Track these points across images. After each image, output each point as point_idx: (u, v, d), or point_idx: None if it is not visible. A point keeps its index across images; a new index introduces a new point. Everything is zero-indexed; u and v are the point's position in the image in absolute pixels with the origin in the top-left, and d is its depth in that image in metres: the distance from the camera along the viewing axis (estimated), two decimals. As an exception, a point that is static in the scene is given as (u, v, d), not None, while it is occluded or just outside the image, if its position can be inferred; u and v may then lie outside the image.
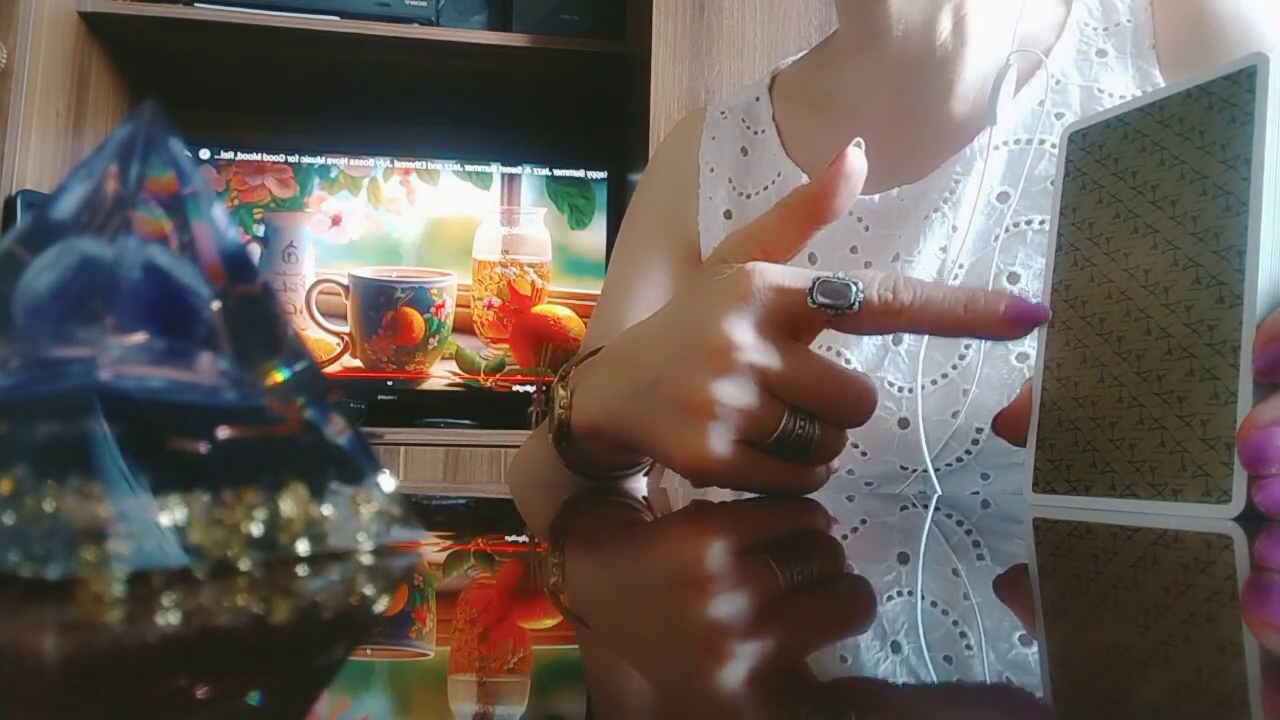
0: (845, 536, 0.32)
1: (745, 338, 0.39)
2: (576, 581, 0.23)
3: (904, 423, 0.58)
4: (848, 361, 0.60)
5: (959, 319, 0.39)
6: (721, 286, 0.41)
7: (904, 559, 0.26)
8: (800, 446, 0.40)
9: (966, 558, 0.27)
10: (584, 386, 0.47)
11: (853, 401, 0.40)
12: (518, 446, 0.81)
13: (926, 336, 0.58)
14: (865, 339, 0.60)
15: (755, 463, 0.40)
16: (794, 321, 0.40)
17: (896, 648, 0.15)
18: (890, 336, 0.60)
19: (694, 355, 0.40)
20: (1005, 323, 0.39)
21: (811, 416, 0.40)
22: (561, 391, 0.48)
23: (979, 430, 0.56)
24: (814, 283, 0.39)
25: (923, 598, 0.19)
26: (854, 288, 0.38)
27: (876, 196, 0.64)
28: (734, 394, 0.39)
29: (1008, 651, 0.15)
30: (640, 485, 0.53)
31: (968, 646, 0.15)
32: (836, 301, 0.38)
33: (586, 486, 0.51)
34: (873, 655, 0.15)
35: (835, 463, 0.43)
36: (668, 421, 0.41)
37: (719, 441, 0.39)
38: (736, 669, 0.14)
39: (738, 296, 0.40)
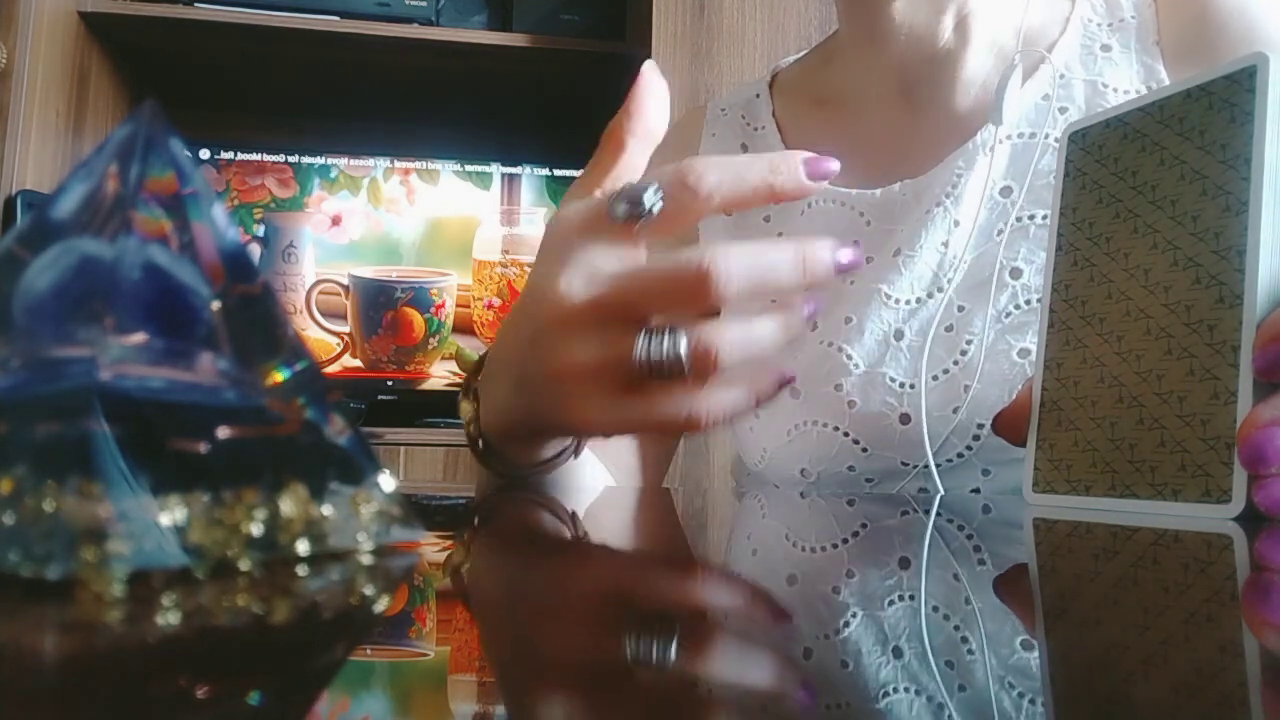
0: (846, 540, 0.32)
1: (568, 284, 0.38)
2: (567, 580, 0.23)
3: (905, 418, 0.58)
4: (849, 357, 0.60)
5: (771, 186, 0.38)
6: (540, 247, 0.41)
7: (904, 564, 0.26)
8: (671, 365, 0.37)
9: (967, 558, 0.27)
10: (483, 395, 0.47)
11: (687, 280, 0.37)
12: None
13: (930, 334, 0.58)
14: (868, 338, 0.60)
15: (643, 401, 0.39)
16: (608, 242, 0.38)
17: (898, 652, 0.15)
18: (892, 332, 0.60)
19: (538, 326, 0.39)
20: (810, 175, 0.39)
21: (671, 331, 0.37)
22: (467, 406, 0.47)
23: (980, 426, 0.56)
24: (609, 199, 0.38)
25: (923, 599, 0.19)
26: (649, 189, 0.37)
27: (878, 191, 0.64)
28: (582, 345, 0.38)
29: (1008, 652, 0.15)
30: (579, 471, 0.52)
31: (968, 648, 0.15)
32: (634, 208, 0.37)
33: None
34: (873, 656, 0.15)
35: (758, 389, 0.40)
36: (549, 401, 0.40)
37: (598, 397, 0.39)
38: (740, 670, 0.14)
39: (548, 248, 0.39)
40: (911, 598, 0.19)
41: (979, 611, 0.19)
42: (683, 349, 0.37)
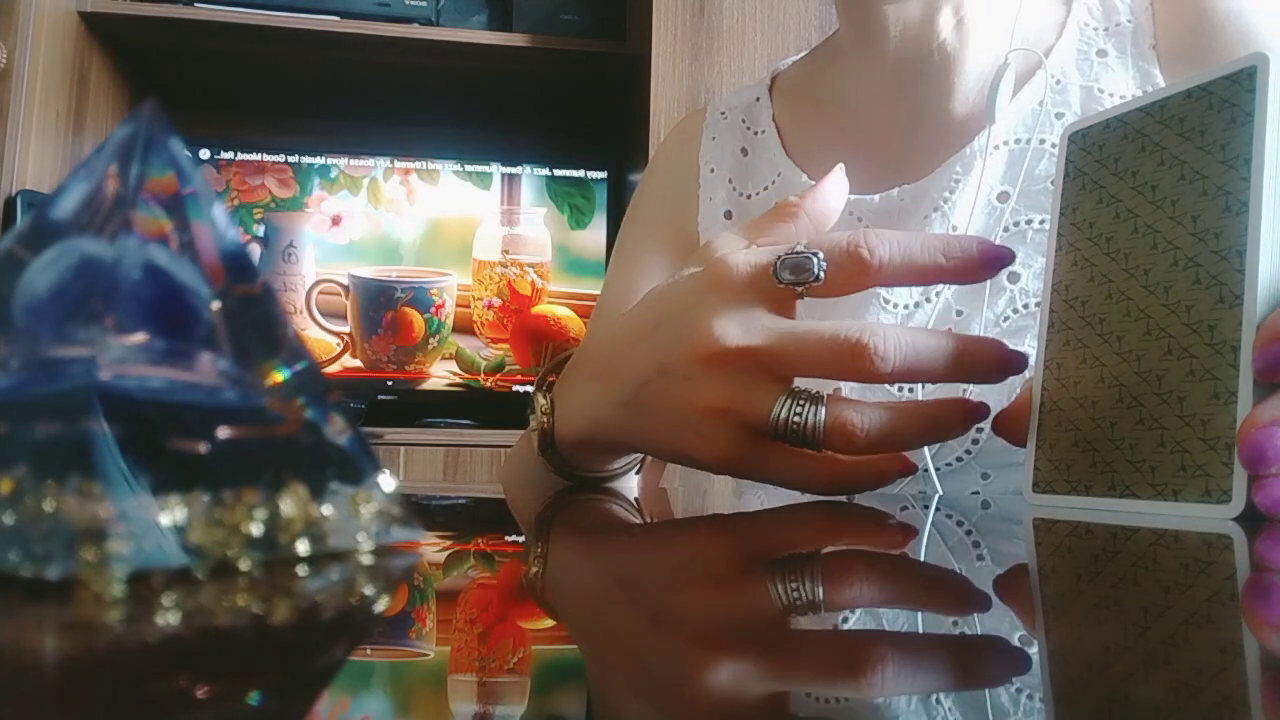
0: (844, 541, 0.32)
1: (723, 327, 0.38)
2: (566, 582, 0.23)
3: None
4: None
5: (941, 268, 0.39)
6: (693, 280, 0.41)
7: (902, 551, 0.26)
8: (802, 431, 0.38)
9: (966, 558, 0.27)
10: (566, 396, 0.46)
11: (843, 352, 0.37)
12: (517, 446, 0.81)
13: None
14: None
15: (767, 453, 0.39)
16: (768, 300, 0.39)
17: (896, 650, 0.15)
18: None
19: (676, 355, 0.39)
20: (980, 265, 0.39)
21: (814, 399, 0.38)
22: (542, 400, 0.47)
23: (979, 430, 0.56)
24: (777, 260, 0.39)
25: (922, 596, 0.19)
26: (815, 260, 0.38)
27: (876, 196, 0.64)
28: (722, 387, 0.38)
29: (1008, 652, 0.15)
30: (632, 483, 0.52)
31: (968, 647, 0.15)
32: (800, 276, 0.38)
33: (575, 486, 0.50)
34: (873, 656, 0.15)
35: (880, 473, 0.40)
36: (664, 427, 0.41)
37: (720, 439, 0.39)
38: (727, 671, 0.14)
39: (708, 288, 0.39)
40: (910, 596, 0.19)
41: (979, 612, 0.19)
42: (821, 420, 0.37)
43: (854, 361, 0.37)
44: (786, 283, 0.38)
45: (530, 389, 0.50)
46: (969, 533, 0.33)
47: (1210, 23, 0.59)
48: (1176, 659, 0.14)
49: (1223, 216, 0.34)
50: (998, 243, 0.58)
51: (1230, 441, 0.32)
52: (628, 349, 0.43)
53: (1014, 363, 0.39)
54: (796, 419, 0.38)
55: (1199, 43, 0.60)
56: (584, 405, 0.45)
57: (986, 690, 0.13)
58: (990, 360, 0.38)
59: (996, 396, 0.56)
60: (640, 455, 0.49)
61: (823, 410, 0.38)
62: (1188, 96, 0.37)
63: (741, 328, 0.38)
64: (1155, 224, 0.37)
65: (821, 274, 0.38)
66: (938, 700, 0.12)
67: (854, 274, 0.38)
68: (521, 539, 0.32)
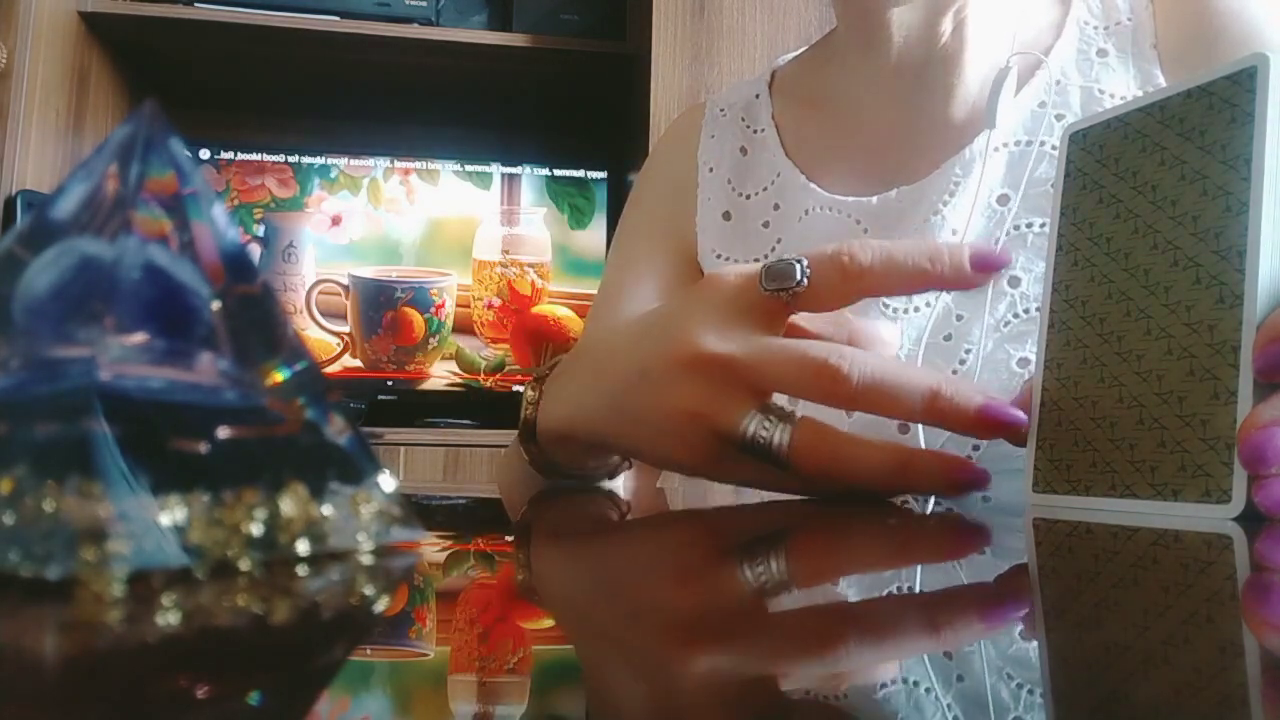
0: (844, 541, 0.32)
1: (703, 334, 0.38)
2: (560, 582, 0.23)
3: (904, 427, 0.58)
4: None
5: (926, 275, 0.38)
6: (687, 292, 0.41)
7: (903, 551, 0.26)
8: (767, 448, 0.37)
9: (966, 558, 0.27)
10: (555, 389, 0.47)
11: (810, 369, 0.37)
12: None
13: (923, 347, 0.58)
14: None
15: (738, 469, 0.40)
16: (756, 312, 0.39)
17: (895, 651, 0.15)
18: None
19: (657, 358, 0.40)
20: (971, 271, 0.38)
21: (784, 418, 0.38)
22: (530, 393, 0.48)
23: None
24: (763, 269, 0.39)
25: (921, 595, 0.19)
26: (798, 266, 0.38)
27: (874, 198, 0.63)
28: (696, 392, 0.38)
29: (1008, 652, 0.15)
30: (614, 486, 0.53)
31: (968, 647, 0.15)
32: (784, 283, 0.38)
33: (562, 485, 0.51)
34: (872, 657, 0.15)
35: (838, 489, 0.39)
36: (641, 429, 0.41)
37: (691, 444, 0.39)
38: (725, 667, 0.14)
39: (698, 299, 0.40)
40: (910, 596, 0.19)
41: (978, 611, 0.19)
42: (786, 440, 0.37)
43: (819, 380, 0.37)
44: (770, 290, 0.38)
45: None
46: (971, 535, 0.33)
47: (1211, 21, 0.59)
48: (1176, 659, 0.14)
49: (1223, 217, 0.34)
50: (998, 247, 0.58)
51: (1230, 441, 0.32)
52: (616, 351, 0.44)
53: (1000, 417, 0.37)
54: (763, 434, 0.37)
55: (1200, 41, 0.59)
56: (569, 401, 0.45)
57: (987, 690, 0.13)
58: (970, 411, 0.37)
59: (997, 393, 0.56)
60: (618, 460, 0.49)
61: (789, 430, 0.37)
62: (1188, 97, 0.37)
63: (720, 336, 0.38)
64: (1155, 224, 0.37)
65: (805, 280, 0.38)
66: (938, 699, 0.12)
67: (838, 281, 0.38)
68: (510, 538, 0.32)
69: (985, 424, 0.37)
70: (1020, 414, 0.37)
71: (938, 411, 0.37)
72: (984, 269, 0.39)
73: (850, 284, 0.38)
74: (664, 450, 0.41)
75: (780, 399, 0.39)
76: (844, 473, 0.37)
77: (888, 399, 0.36)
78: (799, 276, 0.38)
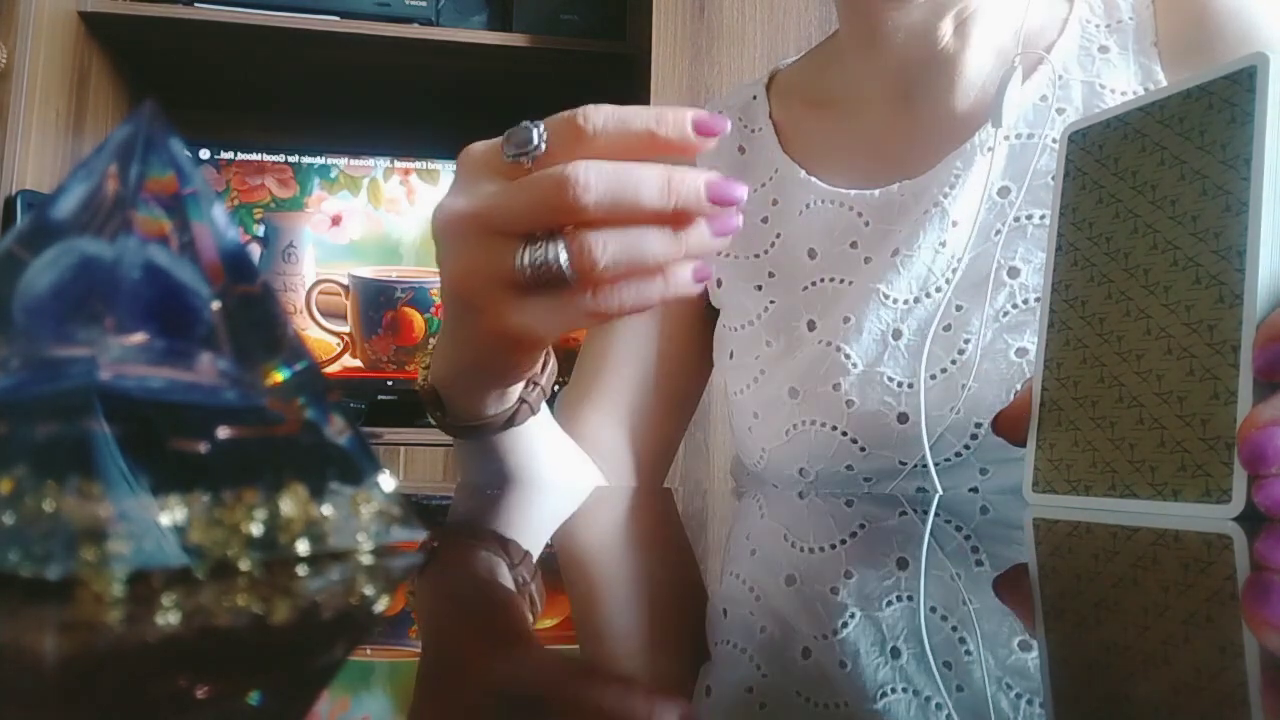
0: (844, 541, 0.32)
1: (451, 202, 0.41)
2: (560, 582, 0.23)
3: (903, 417, 0.58)
4: (847, 356, 0.60)
5: (654, 136, 0.39)
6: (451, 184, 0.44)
7: (903, 564, 0.26)
8: (551, 271, 0.39)
9: (966, 558, 0.27)
10: (434, 351, 0.50)
11: (549, 188, 0.38)
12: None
13: (931, 333, 0.58)
14: (866, 337, 0.60)
15: (539, 304, 0.40)
16: (499, 176, 0.41)
17: (895, 652, 0.15)
18: (890, 332, 0.60)
19: (435, 247, 0.42)
20: (695, 136, 0.39)
21: (549, 238, 0.39)
22: (422, 371, 0.51)
23: (978, 425, 0.56)
24: (504, 138, 0.40)
25: (921, 599, 0.19)
26: (535, 130, 0.39)
27: (877, 191, 0.64)
28: (466, 253, 0.41)
29: (1008, 652, 0.15)
30: (536, 446, 0.53)
31: (967, 648, 0.15)
32: (523, 148, 0.39)
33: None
34: (872, 656, 0.15)
35: (649, 290, 0.40)
36: (456, 316, 0.44)
37: (494, 303, 0.41)
38: (734, 672, 0.14)
39: (455, 180, 0.42)
40: (910, 598, 0.19)
41: (978, 611, 0.19)
42: (561, 256, 0.38)
43: (559, 195, 0.38)
44: (512, 156, 0.40)
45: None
46: (967, 538, 0.33)
47: (1212, 20, 0.59)
48: (1176, 659, 0.14)
49: (1223, 216, 0.34)
50: (999, 239, 0.58)
51: (1230, 441, 0.32)
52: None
53: (724, 192, 0.38)
54: (537, 261, 0.39)
55: (1200, 40, 0.60)
56: (437, 351, 0.49)
57: (987, 690, 0.13)
58: (696, 185, 0.38)
59: (995, 392, 0.56)
60: (515, 404, 0.51)
61: (560, 246, 0.38)
62: (1188, 96, 0.37)
63: (467, 198, 0.41)
64: (1155, 224, 0.37)
65: (543, 145, 0.39)
66: (938, 702, 0.12)
67: (571, 142, 0.39)
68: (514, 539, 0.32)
69: (711, 196, 0.38)
70: (729, 183, 0.39)
71: (674, 194, 0.38)
72: (704, 134, 0.39)
73: (585, 145, 0.39)
74: (477, 334, 0.43)
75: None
76: (624, 251, 0.38)
77: (623, 198, 0.38)
78: (536, 141, 0.39)
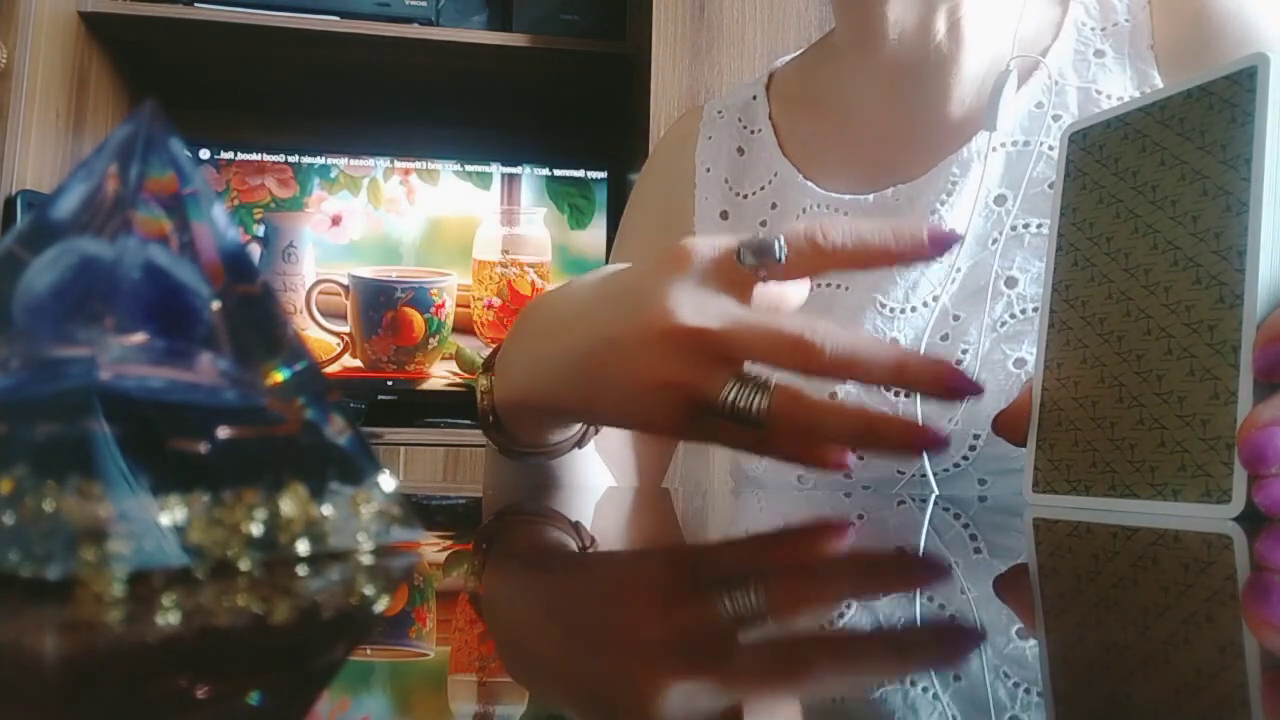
0: (843, 543, 0.32)
1: (679, 305, 0.39)
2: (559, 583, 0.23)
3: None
4: None
5: (889, 250, 0.40)
6: (655, 260, 0.42)
7: (901, 550, 0.26)
8: (750, 417, 0.38)
9: (966, 558, 0.27)
10: (506, 364, 0.47)
11: (794, 346, 0.38)
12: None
13: (924, 343, 0.58)
14: None
15: (711, 431, 0.41)
16: (728, 284, 0.40)
17: (896, 651, 0.15)
18: (887, 341, 0.60)
19: (629, 328, 0.40)
20: (927, 245, 0.40)
21: (761, 386, 0.39)
22: (484, 381, 0.48)
23: (976, 436, 0.56)
24: (739, 245, 0.40)
25: (921, 594, 0.19)
26: (777, 243, 0.39)
27: (871, 196, 0.64)
28: (675, 364, 0.39)
29: (1008, 652, 0.15)
30: (583, 464, 0.53)
31: (968, 647, 0.15)
32: (763, 259, 0.39)
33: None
34: (872, 656, 0.15)
35: (847, 460, 0.41)
36: (611, 397, 0.41)
37: (669, 412, 0.40)
38: (727, 665, 0.14)
39: (669, 266, 0.40)
40: (910, 597, 0.19)
41: (978, 611, 0.19)
42: (764, 407, 0.38)
43: (794, 352, 0.38)
44: (749, 265, 0.40)
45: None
46: (973, 536, 0.33)
47: (1209, 22, 0.59)
48: (1176, 659, 0.14)
49: (1223, 216, 0.34)
50: (996, 248, 0.58)
51: (1230, 441, 0.32)
52: (577, 317, 0.44)
53: (956, 383, 0.38)
54: (742, 402, 0.38)
55: (1198, 42, 0.59)
56: (526, 371, 0.46)
57: (987, 689, 0.13)
58: (929, 375, 0.38)
59: (994, 403, 0.56)
60: (582, 428, 0.50)
61: (767, 397, 0.38)
62: (1188, 97, 0.37)
63: (696, 308, 0.39)
64: (1155, 224, 0.37)
65: (783, 257, 0.39)
66: (937, 699, 0.12)
67: (810, 257, 0.40)
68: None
69: (945, 386, 0.38)
70: (966, 377, 0.39)
71: (906, 376, 0.38)
72: (936, 244, 0.40)
73: (822, 260, 0.40)
74: (635, 417, 0.42)
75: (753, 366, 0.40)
76: (817, 433, 0.39)
77: (859, 368, 0.38)
78: (778, 254, 0.39)
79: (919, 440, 0.38)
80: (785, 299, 0.42)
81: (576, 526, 0.35)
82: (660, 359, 0.39)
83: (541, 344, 0.45)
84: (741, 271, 0.40)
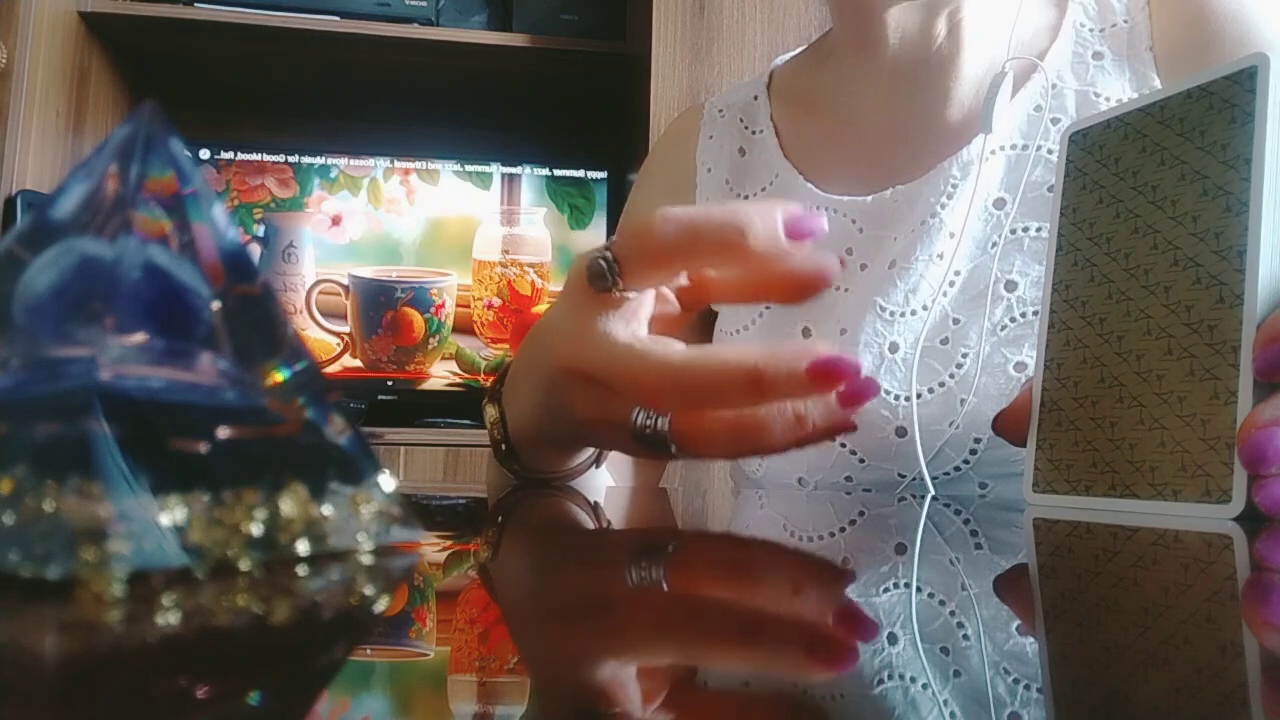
0: (843, 529, 0.32)
1: (568, 345, 0.38)
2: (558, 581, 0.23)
3: (901, 431, 0.58)
4: None
5: (738, 246, 0.36)
6: (561, 294, 0.41)
7: (901, 550, 0.26)
8: (657, 439, 0.38)
9: (967, 557, 0.27)
10: (508, 400, 0.47)
11: (655, 379, 0.36)
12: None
13: (920, 345, 0.58)
14: (863, 349, 0.60)
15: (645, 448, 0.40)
16: (602, 307, 0.38)
17: (893, 638, 0.15)
18: (887, 345, 0.60)
19: (550, 371, 0.40)
20: (787, 239, 0.36)
21: (661, 411, 0.38)
22: (492, 411, 0.47)
23: (976, 440, 0.56)
24: (585, 268, 0.38)
25: (921, 594, 0.19)
26: (604, 264, 0.37)
27: (869, 197, 0.63)
28: (587, 400, 0.39)
29: (1008, 651, 0.15)
30: (600, 481, 0.52)
31: (968, 647, 0.15)
32: (602, 283, 0.37)
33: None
34: (873, 655, 0.15)
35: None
36: (571, 426, 0.42)
37: (612, 439, 0.40)
38: (735, 662, 0.14)
39: (568, 293, 0.39)
40: (910, 595, 0.19)
41: (978, 611, 0.19)
42: (665, 428, 0.37)
43: (653, 400, 0.37)
44: (595, 287, 0.37)
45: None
46: (974, 533, 0.33)
47: (1209, 23, 0.59)
48: (1176, 659, 0.14)
49: (1223, 216, 0.34)
50: (995, 251, 0.58)
51: (1230, 441, 0.32)
52: (533, 355, 0.44)
53: (833, 366, 0.35)
54: (648, 426, 0.38)
55: (1197, 43, 0.59)
56: (520, 411, 0.46)
57: (988, 689, 0.13)
58: (800, 373, 0.34)
59: (994, 406, 0.56)
60: (591, 452, 0.50)
61: (666, 420, 0.37)
62: (1188, 97, 0.37)
63: (580, 344, 0.38)
64: (1155, 224, 0.37)
65: (616, 279, 0.37)
66: (937, 702, 0.12)
67: (650, 266, 0.37)
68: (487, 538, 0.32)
69: (820, 378, 0.34)
70: (853, 359, 0.35)
71: (768, 388, 0.35)
72: (796, 236, 0.36)
73: (661, 264, 0.37)
74: (605, 444, 0.43)
75: None
76: (726, 447, 0.37)
77: (710, 393, 0.35)
78: (609, 278, 0.37)
79: (828, 431, 0.36)
80: (640, 319, 0.39)
81: (595, 507, 0.35)
82: (575, 395, 0.40)
83: (521, 386, 0.45)
84: (605, 295, 0.38)
